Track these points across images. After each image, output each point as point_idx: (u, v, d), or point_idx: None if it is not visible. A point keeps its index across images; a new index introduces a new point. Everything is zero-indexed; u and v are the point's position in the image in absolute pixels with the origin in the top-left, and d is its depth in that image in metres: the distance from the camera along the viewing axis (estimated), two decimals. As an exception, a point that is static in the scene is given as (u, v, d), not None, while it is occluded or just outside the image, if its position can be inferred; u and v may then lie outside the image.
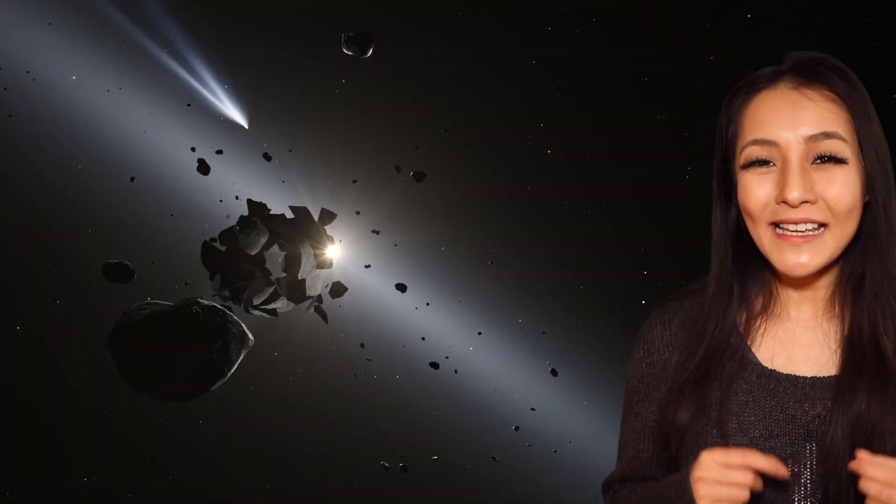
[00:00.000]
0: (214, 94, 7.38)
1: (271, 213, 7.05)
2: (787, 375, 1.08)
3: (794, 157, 1.01)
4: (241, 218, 6.89)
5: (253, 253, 6.79)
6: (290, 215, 7.17)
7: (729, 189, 1.10)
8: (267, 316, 7.02)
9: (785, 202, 1.01)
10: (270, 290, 6.84)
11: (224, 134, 7.46)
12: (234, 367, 6.30)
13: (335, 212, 7.41)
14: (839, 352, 1.08)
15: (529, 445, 7.97)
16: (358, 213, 7.56)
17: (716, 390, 1.10)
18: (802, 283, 1.10)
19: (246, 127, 7.50)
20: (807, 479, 1.04)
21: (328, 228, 7.34)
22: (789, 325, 1.12)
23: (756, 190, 1.04)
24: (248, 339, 6.40)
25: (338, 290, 7.46)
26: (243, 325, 6.39)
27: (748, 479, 0.96)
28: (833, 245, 1.02)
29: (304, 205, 7.25)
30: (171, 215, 7.18)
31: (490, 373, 8.10)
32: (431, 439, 7.72)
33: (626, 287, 7.69)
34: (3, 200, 6.82)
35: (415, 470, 7.46)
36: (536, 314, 8.09)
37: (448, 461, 7.69)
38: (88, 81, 7.22)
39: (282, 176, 7.53)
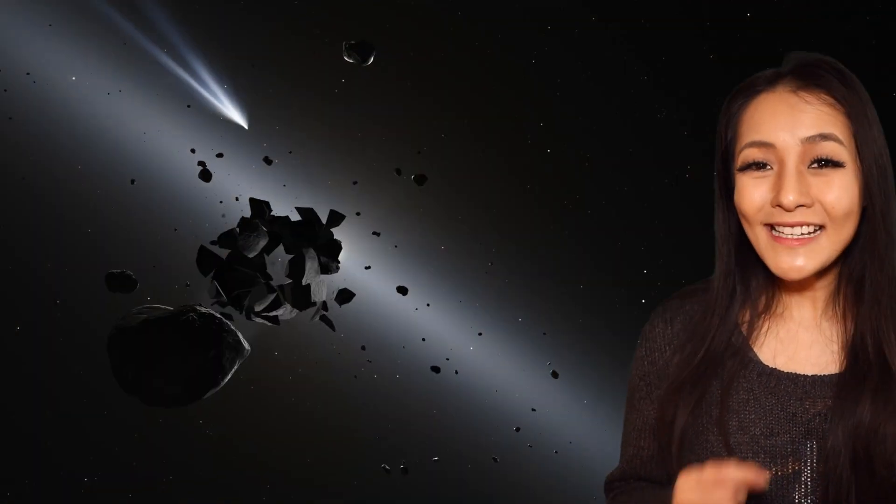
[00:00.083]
0: (214, 94, 7.38)
1: (272, 214, 6.99)
2: (788, 374, 1.08)
3: (790, 159, 1.01)
4: (242, 219, 6.82)
5: (252, 256, 6.68)
6: (295, 217, 7.06)
7: (730, 190, 1.10)
8: (268, 324, 6.89)
9: (780, 205, 1.01)
10: (272, 296, 6.72)
11: (224, 135, 7.46)
12: (228, 377, 6.23)
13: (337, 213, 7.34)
14: (841, 353, 1.08)
15: (530, 446, 7.96)
16: (358, 214, 7.55)
17: (716, 388, 1.10)
18: (801, 284, 1.10)
19: (245, 127, 7.51)
20: (807, 478, 1.04)
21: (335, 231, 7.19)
22: (791, 325, 1.12)
23: (751, 193, 1.04)
24: (244, 348, 6.32)
25: (345, 296, 7.34)
26: (239, 335, 6.30)
27: (728, 493, 0.95)
28: (829, 248, 1.02)
29: (299, 205, 7.15)
30: (175, 230, 7.15)
31: (491, 373, 8.10)
32: (432, 440, 7.72)
33: (626, 287, 7.69)
34: (3, 201, 6.82)
35: (415, 471, 7.47)
36: (537, 314, 8.09)
37: (449, 462, 7.69)
38: (88, 82, 7.23)
39: (282, 177, 7.53)
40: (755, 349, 1.12)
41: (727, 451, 1.06)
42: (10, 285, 6.76)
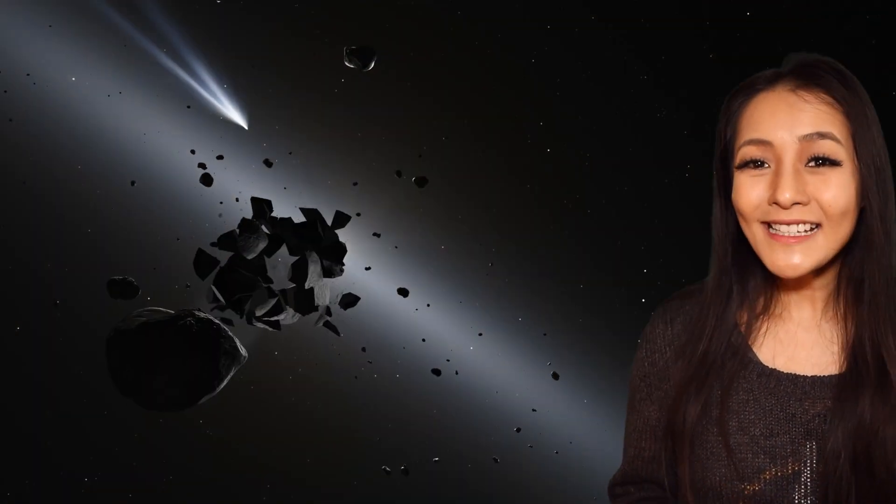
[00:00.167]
0: (214, 95, 7.38)
1: (273, 214, 6.95)
2: (788, 374, 1.08)
3: (787, 158, 1.01)
4: (242, 220, 6.77)
5: (251, 258, 6.60)
6: (299, 217, 6.93)
7: (728, 189, 1.10)
8: (270, 329, 6.80)
9: (777, 203, 1.01)
10: (274, 300, 6.63)
11: (224, 135, 7.46)
12: (224, 383, 6.20)
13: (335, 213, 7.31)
14: (841, 354, 1.08)
15: (531, 447, 7.96)
16: (359, 214, 7.54)
17: (716, 389, 1.10)
18: (799, 283, 1.10)
19: (245, 128, 7.50)
20: (807, 478, 1.04)
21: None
22: (790, 325, 1.12)
23: (749, 191, 1.04)
24: (241, 355, 6.27)
25: (350, 300, 7.24)
26: (237, 341, 6.25)
27: None
28: (826, 247, 1.02)
29: (299, 206, 7.10)
30: (178, 239, 7.13)
31: (491, 374, 8.10)
32: (432, 440, 7.71)
33: (627, 287, 7.69)
34: (3, 201, 6.83)
35: (416, 471, 7.46)
36: (537, 314, 8.09)
37: (449, 462, 7.69)
38: (88, 83, 7.23)
39: (282, 178, 7.52)
40: (755, 349, 1.12)
41: (727, 451, 1.06)
42: (10, 285, 6.76)
